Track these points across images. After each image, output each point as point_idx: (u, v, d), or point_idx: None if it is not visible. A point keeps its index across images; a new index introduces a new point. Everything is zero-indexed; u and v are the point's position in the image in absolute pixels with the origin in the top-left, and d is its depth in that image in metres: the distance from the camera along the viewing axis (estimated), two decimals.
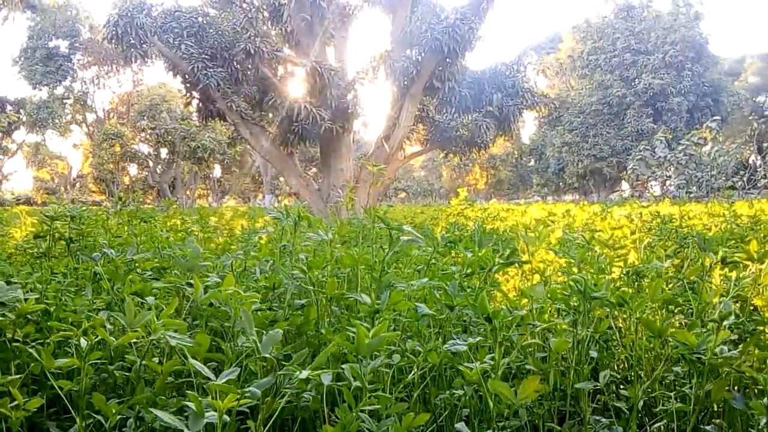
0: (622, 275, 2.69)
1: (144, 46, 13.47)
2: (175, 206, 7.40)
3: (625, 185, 47.85)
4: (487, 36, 13.18)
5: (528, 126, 51.83)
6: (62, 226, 3.50)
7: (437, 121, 15.30)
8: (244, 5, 15.26)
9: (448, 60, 12.93)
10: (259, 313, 1.74)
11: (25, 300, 1.74)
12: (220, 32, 14.30)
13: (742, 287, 2.04)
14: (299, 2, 13.12)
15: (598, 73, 44.85)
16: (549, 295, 1.96)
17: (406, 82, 13.25)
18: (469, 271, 2.40)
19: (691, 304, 2.13)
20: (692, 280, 2.73)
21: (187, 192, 48.26)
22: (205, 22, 14.59)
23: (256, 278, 2.25)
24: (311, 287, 1.87)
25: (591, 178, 47.24)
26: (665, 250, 3.30)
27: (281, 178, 46.14)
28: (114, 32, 12.98)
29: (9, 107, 41.21)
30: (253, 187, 56.33)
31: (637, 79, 43.44)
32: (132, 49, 13.32)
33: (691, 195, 27.70)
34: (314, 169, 37.58)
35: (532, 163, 57.66)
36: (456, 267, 2.55)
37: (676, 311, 2.41)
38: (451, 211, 10.69)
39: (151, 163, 36.29)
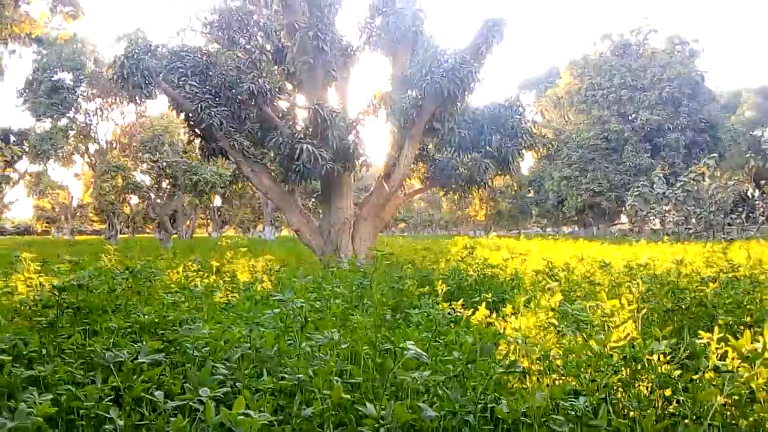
0: (620, 360, 2.74)
1: (149, 86, 13.67)
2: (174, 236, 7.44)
3: (623, 218, 48.01)
4: (486, 78, 13.36)
5: (527, 158, 52.21)
6: (70, 295, 3.56)
7: (437, 159, 15.43)
8: (248, 46, 15.54)
9: (447, 102, 13.12)
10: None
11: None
12: (223, 72, 14.54)
13: (735, 387, 2.09)
14: (302, 45, 13.38)
15: (596, 109, 45.39)
16: (550, 397, 2.01)
17: (406, 123, 13.42)
18: (470, 357, 2.43)
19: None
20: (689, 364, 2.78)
21: (187, 222, 48.36)
22: (209, 61, 14.84)
23: (263, 380, 2.29)
24: (317, 391, 1.91)
25: (590, 211, 47.41)
26: (662, 326, 3.35)
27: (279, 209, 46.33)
28: (120, 73, 13.18)
29: (12, 138, 41.58)
30: (252, 218, 56.46)
31: (634, 115, 43.96)
32: (137, 90, 13.51)
33: (690, 231, 27.79)
34: (313, 200, 37.75)
35: (531, 194, 57.95)
36: (458, 353, 2.60)
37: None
38: (452, 256, 10.75)
39: (152, 195, 36.42)
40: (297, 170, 13.48)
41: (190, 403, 1.95)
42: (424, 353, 2.05)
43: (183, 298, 4.71)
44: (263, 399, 1.85)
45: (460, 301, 5.67)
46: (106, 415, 2.00)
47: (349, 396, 1.93)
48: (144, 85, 13.79)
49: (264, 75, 14.36)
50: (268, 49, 16.03)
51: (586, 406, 1.91)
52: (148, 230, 63.18)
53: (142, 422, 2.08)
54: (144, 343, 2.76)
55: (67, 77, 39.00)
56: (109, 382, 2.38)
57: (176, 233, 38.83)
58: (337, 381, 2.06)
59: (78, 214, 59.02)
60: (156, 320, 3.26)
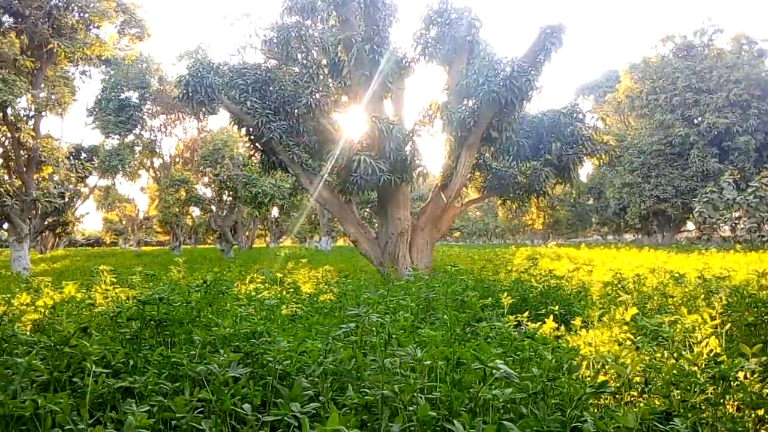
0: (707, 379, 2.62)
1: (212, 103, 14.16)
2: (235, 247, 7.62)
3: (690, 225, 46.08)
4: (544, 85, 13.13)
5: (586, 165, 50.93)
6: (151, 309, 3.70)
7: (495, 168, 15.28)
8: (305, 61, 15.88)
9: (505, 111, 12.98)
10: None
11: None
12: (282, 87, 14.89)
13: None
14: (359, 58, 13.55)
15: (658, 113, 43.85)
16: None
17: (463, 133, 13.35)
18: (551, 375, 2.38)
19: None
20: None
21: (246, 233, 49.55)
22: (268, 77, 15.24)
23: (349, 396, 2.32)
24: (402, 407, 1.92)
25: (654, 218, 45.73)
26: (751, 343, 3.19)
27: (335, 219, 46.88)
28: (185, 91, 13.71)
29: (83, 155, 43.77)
30: (309, 229, 57.28)
31: (700, 118, 42.21)
32: (201, 107, 14.02)
33: (764, 239, 26.36)
34: (368, 210, 38.00)
35: (590, 202, 56.43)
36: (536, 370, 2.55)
37: None
38: (513, 267, 10.59)
39: (213, 208, 37.55)
40: (354, 181, 13.60)
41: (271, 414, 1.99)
42: (514, 373, 2.03)
43: (254, 310, 4.83)
44: (349, 414, 1.87)
45: (526, 314, 5.58)
46: (199, 426, 2.08)
47: (434, 413, 1.94)
48: (207, 102, 14.29)
49: (321, 89, 14.63)
50: (324, 63, 16.34)
51: (684, 428, 1.83)
52: (209, 241, 65.14)
53: None
54: (224, 355, 2.84)
55: (133, 95, 40.84)
56: (195, 394, 2.46)
57: (236, 244, 39.85)
58: (421, 397, 2.07)
59: (144, 226, 61.47)
60: (234, 333, 3.35)
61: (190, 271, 10.40)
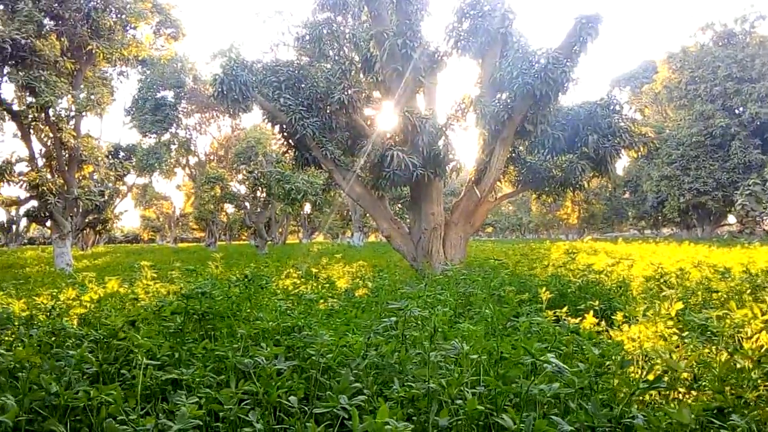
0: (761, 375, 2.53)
1: (246, 100, 14.31)
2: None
3: (731, 219, 44.77)
4: (580, 76, 12.89)
5: (622, 158, 49.90)
6: (193, 303, 3.75)
7: (529, 162, 15.09)
8: (337, 57, 15.92)
9: (540, 103, 12.79)
10: None
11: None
12: (314, 84, 14.97)
13: None
14: (391, 53, 13.52)
15: (698, 103, 42.63)
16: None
17: (497, 127, 13.20)
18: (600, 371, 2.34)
19: None
20: None
21: (279, 229, 50.07)
22: (301, 74, 15.33)
23: (396, 390, 2.31)
24: (450, 401, 1.91)
25: (693, 212, 44.54)
26: None
27: (367, 215, 46.98)
28: (220, 90, 13.89)
29: (122, 153, 44.82)
30: (341, 224, 57.58)
31: (741, 109, 40.89)
32: (236, 105, 14.18)
33: None
34: (399, 206, 37.97)
35: (627, 195, 55.29)
36: (583, 365, 2.50)
37: None
38: (549, 262, 10.45)
39: (248, 205, 38.05)
40: (387, 177, 13.60)
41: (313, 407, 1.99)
42: (566, 367, 1.99)
43: (292, 304, 4.86)
44: (396, 408, 1.87)
45: (564, 309, 5.49)
46: (247, 418, 2.10)
47: (482, 407, 1.92)
48: (242, 99, 14.45)
49: (353, 85, 14.65)
50: (356, 59, 16.37)
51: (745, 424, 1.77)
52: (243, 237, 66.07)
53: (280, 426, 2.16)
54: (267, 349, 2.87)
55: (168, 95, 41.60)
56: (241, 386, 2.49)
57: (270, 240, 40.31)
58: (467, 391, 2.05)
59: (180, 222, 62.70)
60: (275, 327, 3.38)
61: (227, 266, 10.55)
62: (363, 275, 9.79)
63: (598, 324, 4.74)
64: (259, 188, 35.30)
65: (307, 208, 51.54)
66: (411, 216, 15.89)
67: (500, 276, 7.80)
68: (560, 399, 2.39)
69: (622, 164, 52.87)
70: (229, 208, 45.23)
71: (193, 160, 47.74)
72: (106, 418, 1.97)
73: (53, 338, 3.75)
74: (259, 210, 37.42)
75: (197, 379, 2.49)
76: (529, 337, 3.74)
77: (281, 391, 2.24)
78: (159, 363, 3.03)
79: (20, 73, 18.48)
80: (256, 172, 33.60)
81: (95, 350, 3.05)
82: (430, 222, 13.92)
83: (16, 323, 4.08)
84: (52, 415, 2.13)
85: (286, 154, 17.50)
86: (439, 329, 2.65)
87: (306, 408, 2.24)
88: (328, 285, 7.32)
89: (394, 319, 2.99)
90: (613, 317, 5.34)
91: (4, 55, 17.93)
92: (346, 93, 14.17)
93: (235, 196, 38.12)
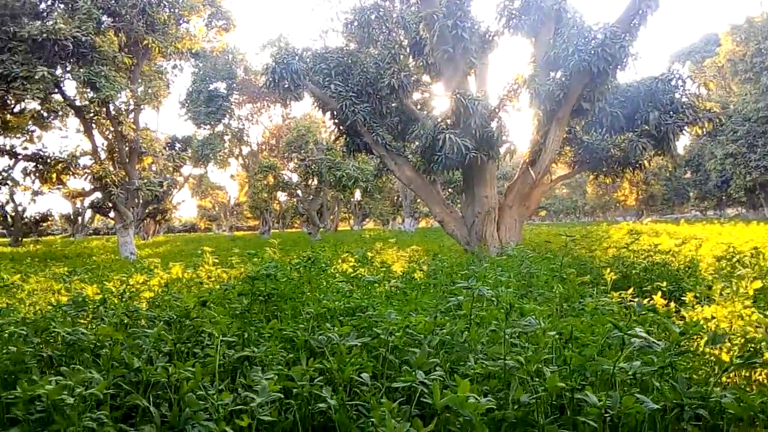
0: None
1: (298, 88, 14.44)
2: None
3: None
4: (640, 52, 12.35)
5: (683, 136, 47.90)
6: (259, 284, 3.81)
7: (586, 142, 14.67)
8: (387, 42, 15.83)
9: (597, 80, 12.37)
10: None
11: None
12: (364, 69, 14.95)
13: None
14: (441, 35, 13.32)
15: (765, 77, 40.40)
16: None
17: (552, 106, 12.87)
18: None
19: None
20: None
21: (331, 217, 50.61)
22: (350, 60, 15.33)
23: (471, 366, 2.28)
24: (529, 379, 1.86)
25: (761, 191, 42.41)
26: None
27: (418, 200, 46.87)
28: (272, 79, 14.06)
29: (178, 145, 46.11)
30: (391, 211, 57.67)
31: None
32: (287, 93, 14.33)
33: None
34: (450, 190, 37.70)
35: (688, 175, 53.13)
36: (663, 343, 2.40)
37: None
38: (609, 243, 10.14)
39: (300, 192, 38.58)
40: (439, 161, 13.48)
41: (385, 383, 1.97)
42: (656, 342, 1.91)
43: (353, 286, 4.88)
44: (473, 385, 1.83)
45: (630, 291, 5.32)
46: (321, 394, 2.11)
47: (563, 384, 1.86)
48: (293, 88, 14.59)
49: (402, 69, 14.54)
50: (404, 43, 16.22)
51: None
52: (295, 225, 67.15)
53: (353, 402, 2.16)
54: (334, 328, 2.88)
55: (221, 86, 42.41)
56: (311, 364, 2.50)
57: (323, 227, 40.81)
58: (546, 369, 2.00)
59: (234, 211, 64.24)
60: (341, 307, 3.39)
61: (283, 252, 10.70)
62: (417, 259, 9.76)
63: (667, 305, 4.57)
64: (311, 176, 35.72)
65: (357, 195, 51.84)
66: (463, 200, 15.73)
67: (560, 258, 7.62)
68: (636, 378, 2.30)
69: (682, 143, 50.80)
70: (282, 196, 45.99)
71: (246, 149, 48.69)
72: (186, 393, 2.02)
73: (126, 320, 3.88)
74: (311, 197, 37.90)
75: (270, 357, 2.53)
76: (595, 317, 3.63)
77: (354, 368, 2.24)
78: (229, 342, 3.09)
79: (81, 69, 19.19)
80: (307, 160, 33.99)
81: (167, 331, 3.14)
82: (484, 205, 13.75)
83: (91, 306, 4.25)
84: (134, 390, 2.21)
85: (337, 141, 17.60)
86: (515, 306, 2.59)
87: (379, 384, 2.24)
88: (384, 269, 7.31)
89: (460, 298, 2.95)
90: (682, 298, 5.13)
91: (66, 53, 18.65)
92: (396, 77, 14.08)
93: (288, 184, 38.71)
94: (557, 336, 2.63)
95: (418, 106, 16.23)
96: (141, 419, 2.13)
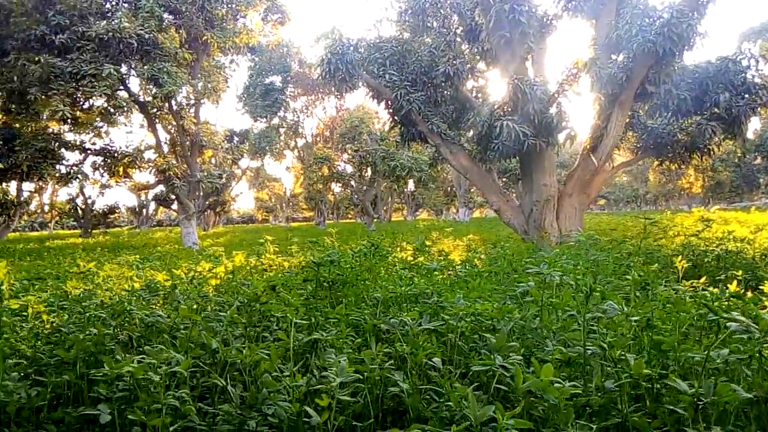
0: None
1: (353, 79, 14.50)
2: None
3: None
4: (708, 31, 11.74)
5: (753, 121, 45.44)
6: (324, 271, 3.84)
7: (650, 126, 14.12)
8: (442, 29, 15.66)
9: (662, 62, 11.86)
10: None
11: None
12: (419, 58, 14.86)
13: None
14: (498, 20, 13.07)
15: None
16: None
17: (614, 90, 12.44)
18: None
19: None
20: None
21: (384, 207, 50.79)
22: (404, 49, 15.26)
23: (549, 351, 2.22)
24: (611, 366, 1.79)
25: None
26: None
27: (472, 190, 46.38)
28: (327, 69, 14.16)
29: (236, 138, 47.21)
30: (445, 201, 57.34)
31: None
32: (343, 83, 14.41)
33: None
34: (505, 179, 37.09)
35: (758, 161, 50.45)
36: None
37: None
38: (677, 231, 9.74)
39: (354, 183, 38.86)
40: (495, 148, 13.27)
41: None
42: (755, 326, 1.80)
43: (414, 274, 4.86)
44: (555, 370, 1.78)
45: (703, 279, 5.09)
46: (392, 377, 2.11)
47: (649, 370, 1.78)
48: (348, 78, 14.66)
49: (457, 56, 14.36)
50: (459, 30, 16.00)
51: None
52: (349, 216, 67.76)
53: (426, 386, 2.15)
54: (401, 313, 2.86)
55: (276, 80, 43.06)
56: (380, 348, 2.50)
57: (377, 217, 41.01)
58: (630, 355, 1.92)
59: (290, 203, 65.36)
60: (405, 293, 3.38)
61: (341, 241, 10.80)
62: (475, 248, 9.65)
63: (744, 295, 4.34)
64: (365, 166, 35.91)
65: (411, 185, 51.79)
66: (521, 188, 15.45)
67: (625, 246, 7.38)
68: (721, 367, 2.19)
69: (752, 127, 48.20)
70: (336, 187, 46.45)
71: (301, 142, 49.35)
72: (263, 374, 2.05)
73: (196, 305, 4.00)
74: (365, 188, 38.13)
75: (341, 340, 2.54)
76: (668, 306, 3.48)
77: (426, 353, 2.22)
78: (297, 326, 3.12)
79: (145, 66, 19.87)
80: (361, 150, 34.17)
81: (238, 314, 3.21)
82: (542, 193, 13.45)
83: (162, 292, 4.40)
84: (212, 371, 2.26)
85: (392, 131, 17.59)
86: (597, 291, 2.50)
87: (451, 369, 2.21)
88: (443, 257, 7.27)
89: (531, 284, 2.88)
90: (759, 287, 4.87)
91: (131, 50, 19.34)
92: (451, 65, 13.92)
93: (342, 175, 39.05)
94: (634, 323, 2.53)
95: (473, 94, 15.99)
96: (218, 399, 2.18)
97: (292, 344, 2.36)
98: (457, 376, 2.26)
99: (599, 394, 1.80)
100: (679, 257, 5.50)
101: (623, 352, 1.92)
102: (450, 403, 1.79)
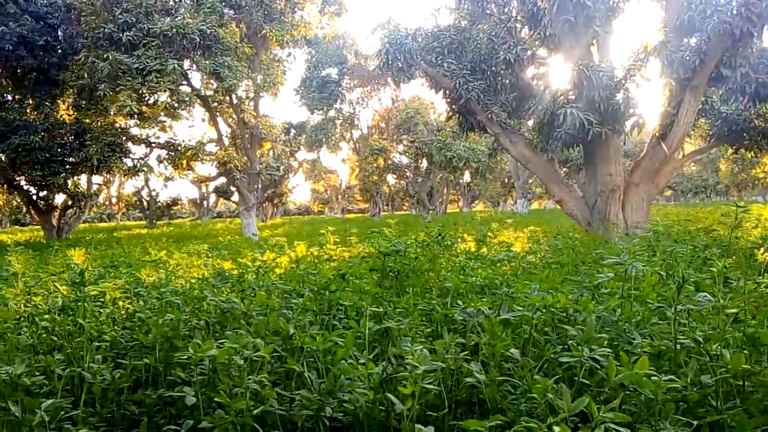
0: None
1: (411, 68, 14.41)
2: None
3: None
4: None
5: None
6: (390, 261, 3.80)
7: (724, 113, 13.41)
8: (502, 16, 15.33)
9: (739, 44, 11.21)
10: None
11: None
12: (477, 45, 14.60)
13: None
14: (561, 4, 12.65)
15: None
16: None
17: (686, 74, 11.85)
18: None
19: None
20: None
21: (440, 199, 50.52)
22: (463, 37, 15.04)
23: (638, 344, 2.11)
24: (707, 359, 1.67)
25: None
26: None
27: (530, 180, 45.47)
28: (385, 60, 14.12)
29: (293, 131, 47.94)
30: (502, 192, 56.49)
31: None
32: (401, 73, 14.35)
33: None
34: (565, 169, 36.14)
35: None
36: None
37: None
38: (757, 221, 9.24)
39: (409, 174, 38.80)
40: (558, 137, 12.91)
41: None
42: None
43: (477, 265, 4.77)
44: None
45: None
46: (468, 367, 2.05)
47: (749, 366, 1.66)
48: (406, 68, 14.59)
49: (518, 42, 14.03)
50: (520, 16, 15.62)
51: None
52: (404, 207, 67.78)
53: (503, 378, 2.08)
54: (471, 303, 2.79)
55: (332, 72, 43.40)
56: (452, 338, 2.44)
57: (432, 209, 40.85)
58: (724, 349, 1.80)
59: (346, 194, 65.97)
60: (474, 283, 3.31)
61: (400, 233, 10.77)
62: (537, 239, 9.43)
63: None
64: (421, 157, 35.76)
65: (467, 176, 51.27)
66: (584, 178, 15.00)
67: (700, 238, 7.04)
68: None
69: None
70: (391, 179, 46.51)
71: (356, 133, 49.65)
72: (340, 361, 2.04)
73: (263, 293, 4.05)
74: (420, 179, 38.00)
75: (414, 329, 2.51)
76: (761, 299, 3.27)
77: (503, 344, 2.15)
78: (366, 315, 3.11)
79: (206, 60, 20.40)
80: (417, 141, 34.04)
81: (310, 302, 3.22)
82: (608, 183, 13.01)
83: (231, 279, 4.48)
84: (289, 356, 2.27)
85: (450, 121, 17.41)
86: (692, 281, 2.36)
87: (529, 361, 2.13)
88: (505, 248, 7.12)
89: (610, 274, 2.76)
90: None
91: (193, 45, 19.89)
92: (511, 51, 13.62)
93: (398, 167, 39.03)
94: (725, 317, 2.38)
95: (534, 81, 15.59)
96: (295, 384, 2.19)
97: (367, 332, 2.34)
98: (540, 368, 2.18)
99: (694, 389, 1.70)
100: (761, 249, 5.19)
101: (720, 346, 1.79)
102: (533, 395, 1.72)
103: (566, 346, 2.59)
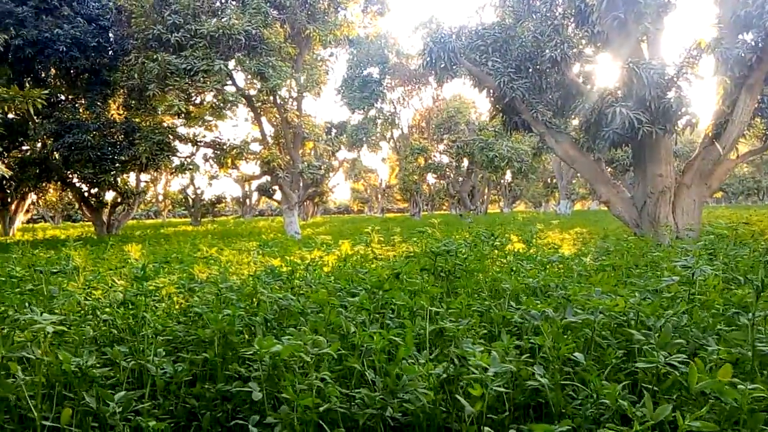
0: None
1: (454, 67, 14.32)
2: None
3: None
4: None
5: None
6: (440, 261, 3.78)
7: None
8: (548, 13, 15.08)
9: None
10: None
11: None
12: (522, 44, 14.40)
13: None
14: (611, 1, 12.37)
15: None
16: None
17: (741, 72, 11.44)
18: None
19: None
20: None
21: (481, 199, 50.07)
22: (507, 35, 14.86)
23: (714, 350, 2.04)
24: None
25: None
26: None
27: (574, 181, 44.60)
28: (429, 59, 14.08)
29: (334, 130, 48.30)
30: (545, 192, 55.62)
31: None
32: (444, 72, 14.27)
33: None
34: (611, 169, 35.30)
35: None
36: None
37: None
38: None
39: (450, 174, 38.58)
40: (605, 136, 12.64)
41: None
42: None
43: (529, 266, 4.70)
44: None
45: None
46: (531, 370, 2.02)
47: None
48: (449, 67, 14.51)
49: (566, 41, 13.77)
50: (566, 13, 15.33)
51: None
52: (444, 207, 67.47)
53: (566, 381, 2.04)
54: (525, 305, 2.74)
55: (374, 71, 43.53)
56: (510, 341, 2.40)
57: (473, 209, 40.53)
58: None
59: (386, 194, 66.08)
60: (527, 285, 3.26)
61: (442, 233, 10.72)
62: (586, 241, 9.23)
63: None
64: (462, 157, 35.51)
65: (508, 176, 50.65)
66: (633, 179, 14.63)
67: (760, 242, 6.77)
68: None
69: None
70: (431, 178, 46.32)
71: (396, 133, 49.64)
72: (400, 360, 2.03)
73: (310, 291, 4.08)
74: (461, 179, 37.74)
75: (471, 331, 2.48)
76: None
77: (568, 347, 2.11)
78: (420, 315, 3.09)
79: (251, 61, 20.70)
80: (458, 141, 33.81)
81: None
82: (657, 184, 12.65)
83: (282, 277, 4.52)
84: (351, 354, 2.28)
85: (493, 120, 17.23)
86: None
87: (593, 365, 2.08)
88: (553, 250, 7.01)
89: (675, 278, 2.67)
90: None
91: (239, 46, 20.22)
92: (558, 49, 13.38)
93: (439, 166, 38.86)
94: None
95: (580, 79, 15.28)
96: (356, 383, 2.19)
97: (427, 332, 2.33)
98: (609, 373, 2.13)
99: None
100: None
101: None
102: (603, 401, 1.67)
103: (628, 351, 2.52)
